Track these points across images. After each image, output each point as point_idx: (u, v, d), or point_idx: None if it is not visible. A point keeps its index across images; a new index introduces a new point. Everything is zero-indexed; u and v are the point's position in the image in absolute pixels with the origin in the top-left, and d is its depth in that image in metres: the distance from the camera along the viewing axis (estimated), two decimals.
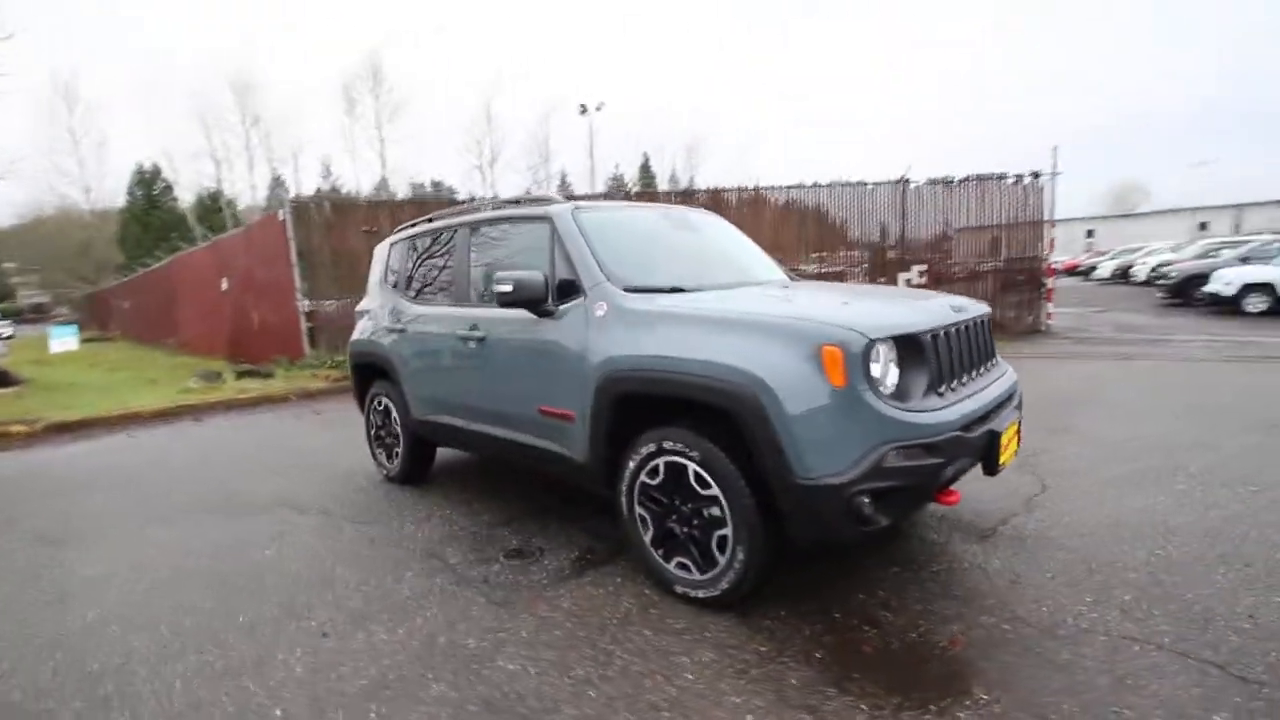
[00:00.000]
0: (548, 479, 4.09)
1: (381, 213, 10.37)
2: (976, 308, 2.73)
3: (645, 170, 44.53)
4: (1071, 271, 29.66)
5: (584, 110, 27.48)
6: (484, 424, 3.40)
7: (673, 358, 2.38)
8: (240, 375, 9.31)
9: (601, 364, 2.64)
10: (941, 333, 2.34)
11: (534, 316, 2.98)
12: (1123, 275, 23.77)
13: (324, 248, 9.95)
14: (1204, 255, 17.60)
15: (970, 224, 11.46)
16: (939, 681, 1.98)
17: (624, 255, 2.96)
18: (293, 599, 2.73)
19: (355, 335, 4.52)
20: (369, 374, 4.45)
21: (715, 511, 2.36)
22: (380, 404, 4.29)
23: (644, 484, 2.58)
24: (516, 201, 3.51)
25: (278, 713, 1.99)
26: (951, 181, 11.23)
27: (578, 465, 2.86)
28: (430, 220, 4.17)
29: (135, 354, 15.49)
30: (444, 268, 3.78)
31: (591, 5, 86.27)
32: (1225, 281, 12.80)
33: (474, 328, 3.34)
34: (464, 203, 4.39)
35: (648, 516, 2.60)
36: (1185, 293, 14.59)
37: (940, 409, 2.19)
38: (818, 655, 2.14)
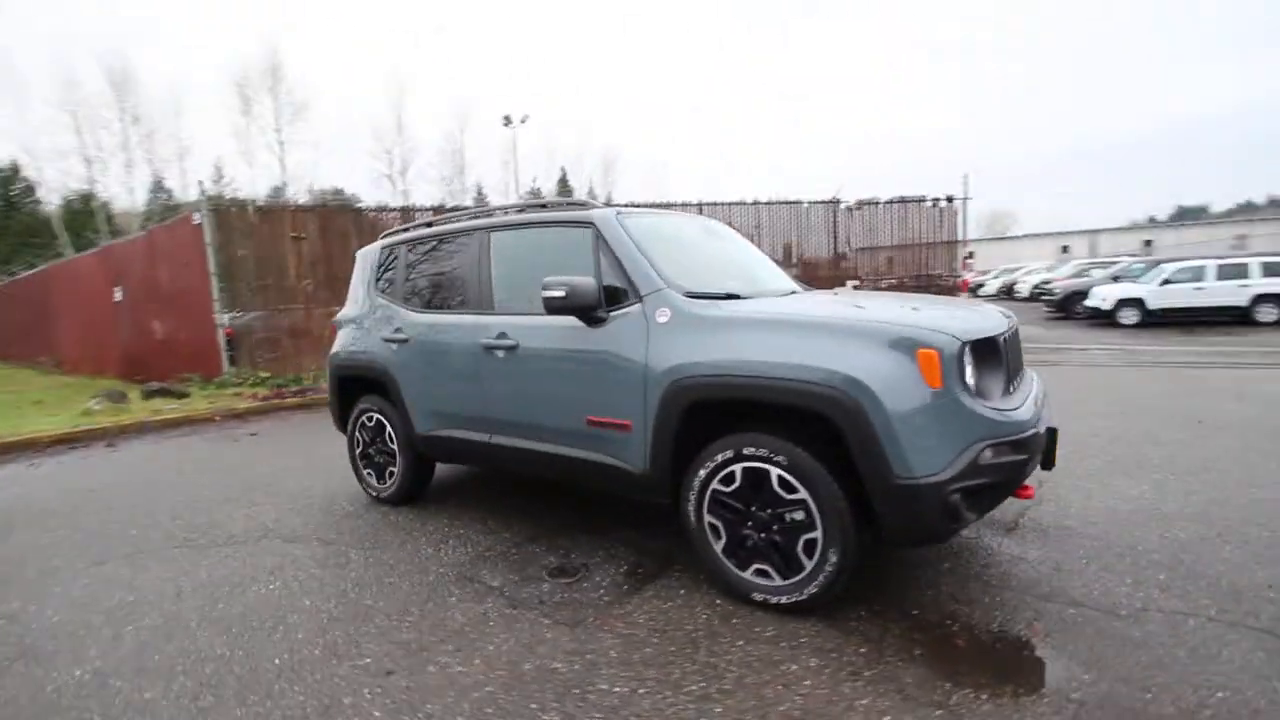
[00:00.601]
0: (556, 491, 3.95)
1: (311, 219, 9.72)
2: (1013, 315, 2.91)
3: (563, 184, 44.40)
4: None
5: (508, 122, 27.07)
6: (514, 438, 3.23)
7: (761, 362, 2.36)
8: (149, 395, 8.35)
9: (669, 371, 2.58)
10: (1007, 336, 2.48)
11: (580, 323, 2.88)
12: (1007, 292, 26.21)
13: (246, 255, 9.17)
14: (1079, 274, 19.77)
15: (894, 242, 12.28)
16: (1040, 666, 2.07)
17: (674, 261, 2.92)
18: (328, 636, 2.45)
19: (337, 346, 4.18)
20: (354, 388, 4.13)
21: (799, 516, 2.36)
22: (370, 420, 3.98)
23: (716, 492, 2.54)
24: (542, 205, 3.39)
25: None
26: (878, 202, 11.99)
27: (635, 477, 2.78)
28: (429, 224, 3.96)
29: (1, 374, 13.51)
30: (456, 273, 3.57)
31: (506, 15, 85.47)
32: (1102, 297, 14.45)
33: (502, 336, 3.18)
34: (447, 210, 4.15)
35: (719, 525, 2.56)
36: (1068, 307, 16.34)
37: (1016, 408, 2.32)
38: (918, 652, 2.18)
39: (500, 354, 3.19)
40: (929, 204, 12.08)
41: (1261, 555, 2.73)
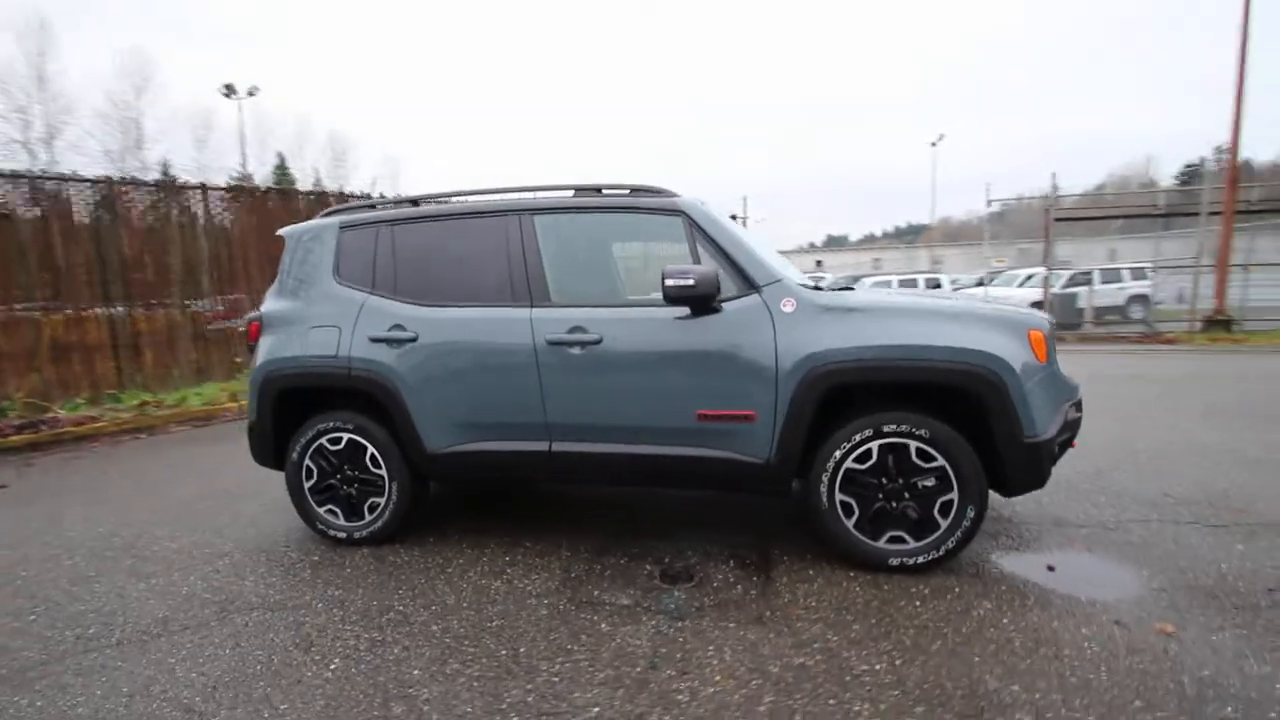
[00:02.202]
0: (554, 501, 3.67)
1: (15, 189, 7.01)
2: None
3: (281, 170, 38.42)
4: None
5: (230, 93, 22.35)
6: (588, 443, 2.93)
7: (915, 346, 2.59)
8: None
9: (809, 358, 2.65)
10: None
11: (683, 314, 2.78)
12: None
13: None
14: None
15: None
16: (1118, 571, 2.68)
17: (765, 252, 2.99)
18: (505, 700, 1.98)
19: (272, 351, 3.23)
20: (302, 403, 3.25)
21: (930, 482, 2.65)
22: (336, 442, 3.17)
23: (849, 470, 2.70)
24: (597, 189, 3.11)
25: None
26: None
27: (755, 468, 2.77)
28: (414, 203, 3.32)
29: None
30: (481, 261, 3.07)
31: None
32: None
33: (577, 330, 2.86)
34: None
35: (852, 501, 2.72)
36: None
37: (1070, 376, 2.94)
38: (1034, 581, 2.62)
39: (576, 350, 2.86)
40: None
41: (1137, 474, 3.87)
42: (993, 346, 2.57)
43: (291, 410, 3.26)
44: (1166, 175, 46.96)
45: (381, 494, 3.16)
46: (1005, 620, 2.33)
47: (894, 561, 2.70)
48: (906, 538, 2.69)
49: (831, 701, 1.92)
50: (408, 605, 2.60)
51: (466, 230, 3.13)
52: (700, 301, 2.71)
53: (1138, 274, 15.07)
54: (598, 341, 2.85)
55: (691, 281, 2.62)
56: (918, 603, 2.48)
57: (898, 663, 2.10)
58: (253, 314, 3.37)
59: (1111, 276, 15.30)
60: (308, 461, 3.22)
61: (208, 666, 2.22)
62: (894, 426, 2.64)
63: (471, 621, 2.46)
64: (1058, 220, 12.47)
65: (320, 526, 3.24)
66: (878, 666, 2.08)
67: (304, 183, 38.22)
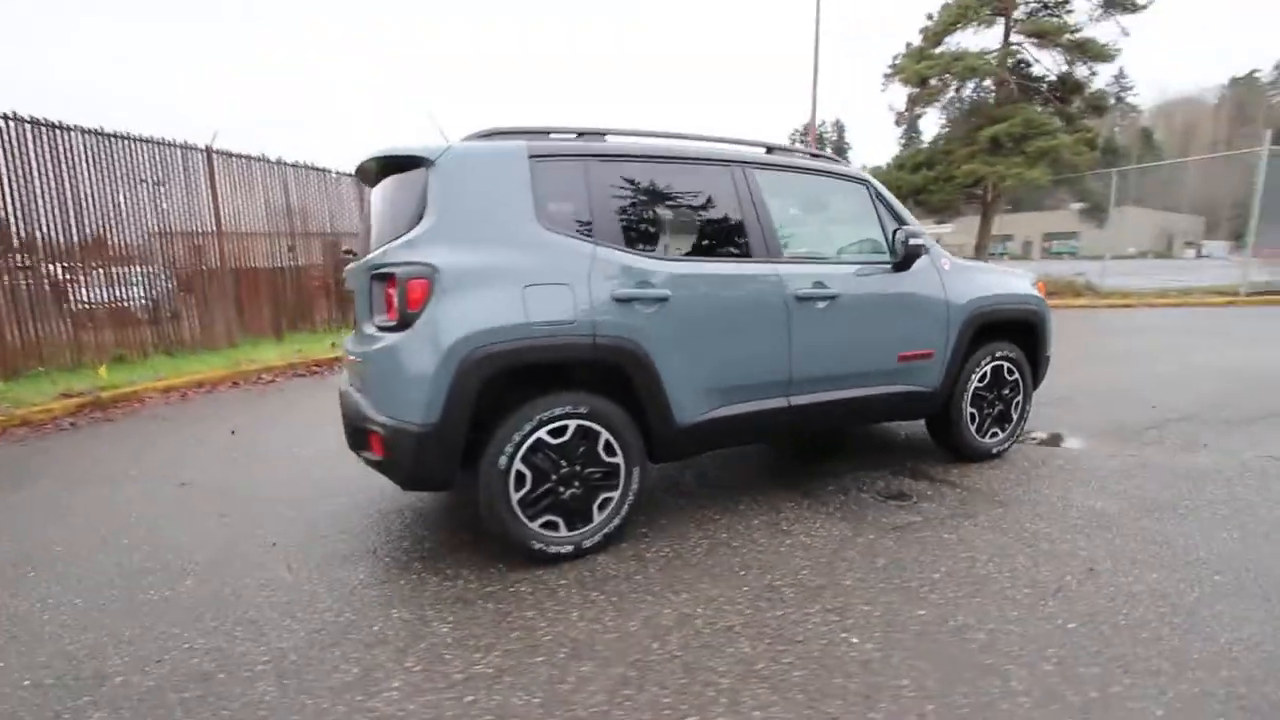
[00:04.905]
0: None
1: None
2: None
3: None
4: None
5: None
6: (817, 393, 3.07)
7: (1014, 294, 3.59)
8: None
9: (969, 304, 3.41)
10: None
11: (886, 270, 3.23)
12: None
13: None
14: None
15: None
16: (1092, 425, 4.27)
17: None
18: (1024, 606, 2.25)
19: (482, 320, 2.31)
20: (507, 388, 2.44)
21: (1008, 390, 3.76)
22: (559, 434, 2.50)
23: (976, 388, 3.60)
24: (788, 149, 3.15)
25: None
26: None
27: (927, 396, 3.41)
28: (602, 135, 2.78)
29: None
30: (708, 211, 2.83)
31: None
32: None
33: (819, 285, 2.98)
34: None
35: (975, 412, 3.62)
36: None
37: None
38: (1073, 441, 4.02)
39: (820, 305, 2.98)
40: None
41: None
42: (1037, 291, 3.81)
43: (491, 399, 2.39)
44: None
45: (615, 487, 2.64)
46: (1114, 463, 3.58)
47: (995, 450, 3.72)
48: (999, 431, 3.75)
49: (1149, 544, 2.76)
50: (786, 580, 2.41)
51: (692, 175, 2.82)
52: (913, 260, 3.19)
53: None
54: (835, 296, 3.04)
55: (922, 242, 3.09)
56: (1049, 472, 3.52)
57: (1121, 506, 3.06)
58: (410, 267, 2.28)
59: None
60: (518, 465, 2.43)
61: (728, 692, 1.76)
62: (1001, 352, 3.64)
63: (864, 567, 2.48)
64: None
65: (538, 546, 2.49)
66: (1117, 506, 3.03)
67: None
